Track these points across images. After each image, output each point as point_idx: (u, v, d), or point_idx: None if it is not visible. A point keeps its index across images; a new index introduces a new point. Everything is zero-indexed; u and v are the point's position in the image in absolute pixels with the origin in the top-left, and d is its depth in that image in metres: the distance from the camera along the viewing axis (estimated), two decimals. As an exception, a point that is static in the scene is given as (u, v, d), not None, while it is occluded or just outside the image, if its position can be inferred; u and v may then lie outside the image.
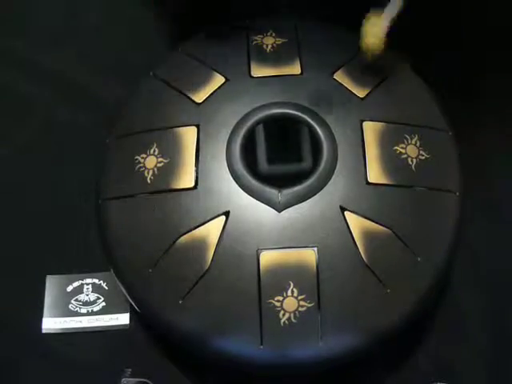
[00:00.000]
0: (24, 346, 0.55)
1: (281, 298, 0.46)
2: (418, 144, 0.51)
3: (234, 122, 0.50)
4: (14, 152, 0.63)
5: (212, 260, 0.47)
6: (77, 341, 0.55)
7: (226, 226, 0.47)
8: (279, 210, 0.47)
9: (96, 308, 0.56)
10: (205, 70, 0.53)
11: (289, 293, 0.46)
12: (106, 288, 0.56)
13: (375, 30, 0.49)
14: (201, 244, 0.47)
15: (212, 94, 0.52)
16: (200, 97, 0.52)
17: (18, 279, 0.57)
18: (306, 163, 0.49)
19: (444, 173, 0.51)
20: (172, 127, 0.51)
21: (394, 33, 0.51)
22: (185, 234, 0.47)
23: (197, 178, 0.49)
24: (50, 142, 0.63)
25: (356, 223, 0.47)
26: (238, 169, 0.48)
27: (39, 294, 0.56)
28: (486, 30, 0.68)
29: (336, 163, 0.49)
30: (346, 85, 0.52)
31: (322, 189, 0.48)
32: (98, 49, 0.68)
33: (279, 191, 0.48)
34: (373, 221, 0.47)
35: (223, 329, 0.47)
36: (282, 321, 0.46)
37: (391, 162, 0.49)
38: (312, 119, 0.50)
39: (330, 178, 0.48)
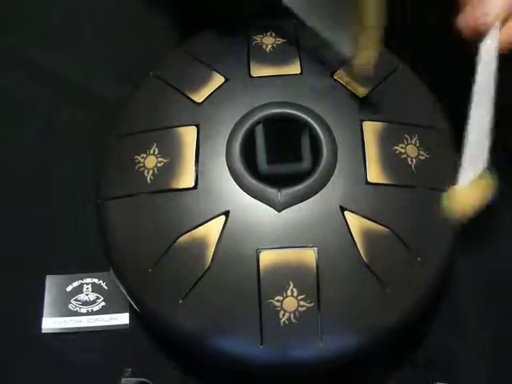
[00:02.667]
0: (24, 345, 0.55)
1: (281, 298, 0.46)
2: (417, 144, 0.51)
3: (234, 121, 0.50)
4: (14, 152, 0.63)
5: (212, 260, 0.47)
6: (77, 341, 0.55)
7: (226, 226, 0.47)
8: (279, 210, 0.47)
9: (96, 308, 0.56)
10: (205, 70, 0.53)
11: (289, 293, 0.46)
12: (106, 288, 0.56)
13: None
14: (201, 244, 0.47)
15: (212, 93, 0.52)
16: (200, 97, 0.52)
17: (18, 279, 0.57)
18: (306, 163, 0.49)
19: (444, 173, 0.51)
20: (172, 127, 0.51)
21: (393, 33, 0.51)
22: (185, 233, 0.47)
23: (197, 177, 0.49)
24: (50, 142, 0.63)
25: (356, 223, 0.47)
26: (237, 168, 0.48)
27: (39, 294, 0.56)
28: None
29: (336, 163, 0.49)
30: (346, 85, 0.52)
31: (321, 189, 0.48)
32: (98, 49, 0.68)
33: (279, 191, 0.48)
34: (373, 221, 0.47)
35: (223, 329, 0.47)
36: (282, 321, 0.46)
37: (391, 161, 0.49)
38: (312, 119, 0.50)
39: (330, 178, 0.48)
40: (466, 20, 0.45)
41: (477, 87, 0.42)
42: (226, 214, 0.47)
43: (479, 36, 0.44)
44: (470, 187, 0.39)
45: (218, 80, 0.52)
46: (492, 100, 0.41)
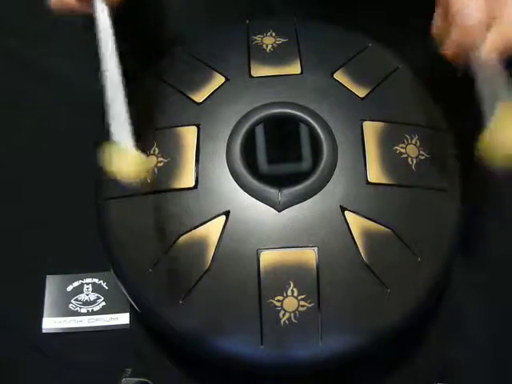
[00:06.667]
0: (24, 345, 0.55)
1: (281, 298, 0.46)
2: (418, 144, 0.51)
3: (234, 121, 0.50)
4: (14, 152, 0.63)
5: (212, 260, 0.47)
6: (77, 341, 0.55)
7: (226, 226, 0.47)
8: (279, 210, 0.47)
9: (96, 308, 0.56)
10: (205, 69, 0.53)
11: (289, 293, 0.46)
12: (106, 288, 0.56)
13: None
14: (201, 244, 0.47)
15: (212, 93, 0.52)
16: (200, 97, 0.52)
17: (18, 279, 0.57)
18: (306, 163, 0.50)
19: (444, 173, 0.51)
20: (172, 127, 0.51)
21: (394, 33, 0.51)
22: (185, 233, 0.47)
23: (197, 177, 0.49)
24: (50, 142, 0.63)
25: (356, 223, 0.47)
26: (238, 168, 0.48)
27: (39, 294, 0.56)
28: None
29: (336, 163, 0.49)
30: (346, 85, 0.52)
31: (322, 188, 0.48)
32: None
33: (279, 191, 0.48)
34: (373, 221, 0.47)
35: (223, 329, 0.47)
36: (282, 321, 0.46)
37: (391, 161, 0.49)
38: (312, 119, 0.50)
39: (330, 178, 0.48)
40: (450, 47, 0.44)
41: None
42: (227, 213, 0.47)
43: (466, 54, 0.43)
44: (498, 124, 0.38)
45: (218, 80, 0.52)
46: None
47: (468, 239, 0.54)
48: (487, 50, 0.42)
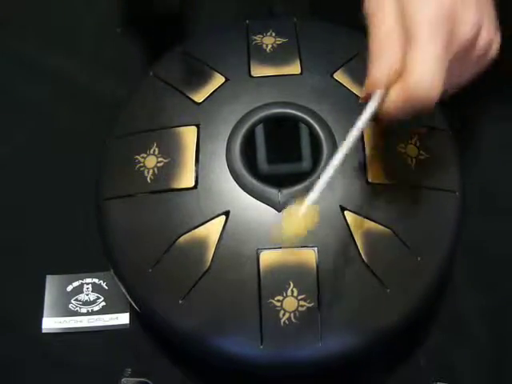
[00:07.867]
0: (24, 346, 0.55)
1: (281, 298, 0.46)
2: (417, 144, 0.51)
3: (234, 121, 0.50)
4: (14, 152, 0.63)
5: (212, 260, 0.47)
6: (77, 341, 0.55)
7: (226, 226, 0.47)
8: (279, 210, 0.47)
9: (96, 308, 0.56)
10: (205, 69, 0.53)
11: (289, 293, 0.46)
12: (106, 288, 0.56)
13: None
14: (201, 244, 0.47)
15: (212, 93, 0.52)
16: (200, 96, 0.52)
17: (18, 279, 0.57)
18: (306, 163, 0.49)
19: (444, 173, 0.51)
20: (172, 127, 0.51)
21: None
22: (185, 233, 0.47)
23: (197, 177, 0.49)
24: (50, 141, 0.63)
25: (356, 223, 0.47)
26: (238, 168, 0.48)
27: (39, 294, 0.56)
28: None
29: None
30: (346, 85, 0.52)
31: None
32: (98, 48, 0.68)
33: (279, 191, 0.48)
34: (373, 221, 0.47)
35: (223, 329, 0.47)
36: (282, 321, 0.46)
37: (391, 161, 0.49)
38: (312, 119, 0.50)
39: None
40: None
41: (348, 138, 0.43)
42: (227, 213, 0.47)
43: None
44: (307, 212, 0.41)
45: (218, 80, 0.52)
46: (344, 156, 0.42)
47: (468, 239, 0.54)
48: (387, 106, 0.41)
